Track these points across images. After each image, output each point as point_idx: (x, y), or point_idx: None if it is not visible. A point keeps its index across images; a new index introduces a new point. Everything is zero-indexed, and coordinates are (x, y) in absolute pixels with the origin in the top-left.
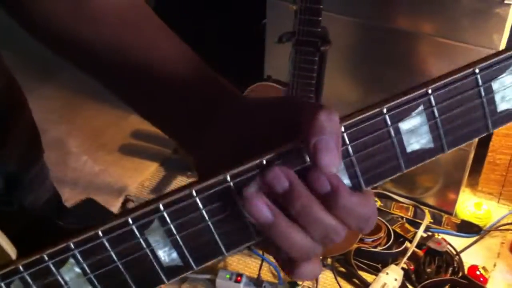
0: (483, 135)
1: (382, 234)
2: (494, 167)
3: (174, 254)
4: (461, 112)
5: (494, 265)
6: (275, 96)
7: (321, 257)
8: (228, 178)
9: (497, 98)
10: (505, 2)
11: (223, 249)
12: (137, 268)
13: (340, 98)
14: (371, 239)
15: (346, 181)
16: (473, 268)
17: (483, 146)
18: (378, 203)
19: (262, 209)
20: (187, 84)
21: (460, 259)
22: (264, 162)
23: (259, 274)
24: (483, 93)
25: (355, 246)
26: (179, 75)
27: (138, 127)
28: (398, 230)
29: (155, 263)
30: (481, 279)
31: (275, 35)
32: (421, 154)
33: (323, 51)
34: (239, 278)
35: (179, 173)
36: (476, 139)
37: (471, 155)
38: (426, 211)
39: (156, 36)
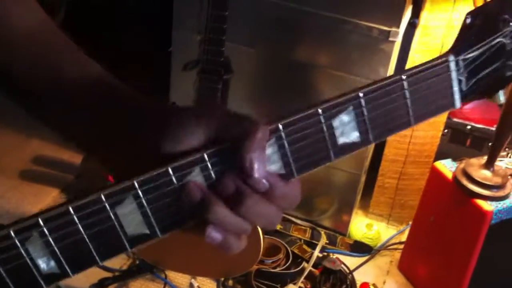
0: (327, 163)
1: (281, 255)
2: (384, 191)
3: (52, 263)
4: (307, 144)
5: (384, 282)
6: (194, 109)
7: (222, 279)
8: (103, 198)
9: (337, 133)
10: (390, 39)
11: (97, 258)
12: (18, 276)
13: None
14: (271, 260)
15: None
16: (365, 285)
17: (374, 170)
18: (278, 226)
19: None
20: (94, 98)
21: (352, 277)
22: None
23: None
24: (325, 129)
25: (255, 267)
26: (86, 89)
27: (40, 152)
28: (296, 251)
29: (34, 271)
30: None
31: (181, 63)
32: (274, 178)
33: (226, 79)
34: None
35: None
36: (367, 164)
37: (363, 179)
38: (322, 232)
39: (64, 54)
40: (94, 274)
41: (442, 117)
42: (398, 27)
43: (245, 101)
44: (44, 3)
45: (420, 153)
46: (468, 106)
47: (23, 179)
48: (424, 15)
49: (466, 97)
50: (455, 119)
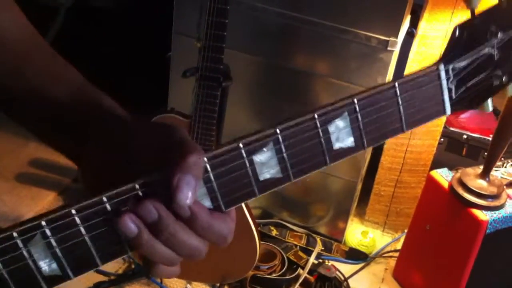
0: (323, 167)
1: (277, 262)
2: (380, 198)
3: (54, 265)
4: (304, 148)
5: None
6: (159, 124)
7: (218, 284)
8: (104, 199)
9: (333, 138)
10: (388, 48)
11: (98, 261)
12: (20, 278)
13: (241, 131)
14: (266, 267)
15: (208, 203)
16: None
17: (370, 178)
18: (274, 232)
19: (128, 223)
20: (70, 107)
21: (347, 284)
22: (137, 186)
23: None
24: (321, 134)
25: (251, 273)
26: (62, 98)
27: (37, 155)
28: (292, 257)
29: (36, 273)
30: None
31: (180, 68)
32: (271, 182)
33: (224, 86)
34: None
35: None
36: (363, 172)
37: (359, 187)
38: (318, 239)
39: (45, 64)
40: (89, 277)
41: (439, 126)
42: (396, 36)
43: (243, 109)
44: (42, 8)
45: (417, 162)
46: (465, 115)
47: (20, 182)
48: (422, 25)
49: (456, 105)
50: (451, 128)
